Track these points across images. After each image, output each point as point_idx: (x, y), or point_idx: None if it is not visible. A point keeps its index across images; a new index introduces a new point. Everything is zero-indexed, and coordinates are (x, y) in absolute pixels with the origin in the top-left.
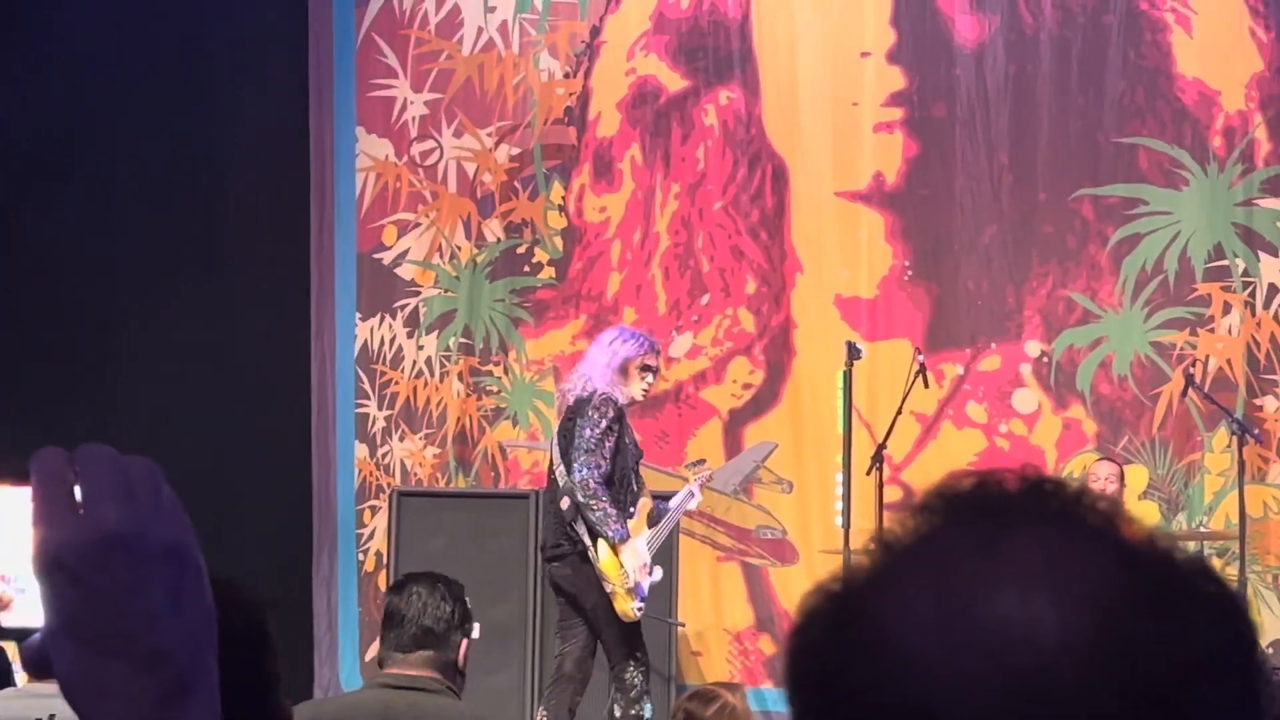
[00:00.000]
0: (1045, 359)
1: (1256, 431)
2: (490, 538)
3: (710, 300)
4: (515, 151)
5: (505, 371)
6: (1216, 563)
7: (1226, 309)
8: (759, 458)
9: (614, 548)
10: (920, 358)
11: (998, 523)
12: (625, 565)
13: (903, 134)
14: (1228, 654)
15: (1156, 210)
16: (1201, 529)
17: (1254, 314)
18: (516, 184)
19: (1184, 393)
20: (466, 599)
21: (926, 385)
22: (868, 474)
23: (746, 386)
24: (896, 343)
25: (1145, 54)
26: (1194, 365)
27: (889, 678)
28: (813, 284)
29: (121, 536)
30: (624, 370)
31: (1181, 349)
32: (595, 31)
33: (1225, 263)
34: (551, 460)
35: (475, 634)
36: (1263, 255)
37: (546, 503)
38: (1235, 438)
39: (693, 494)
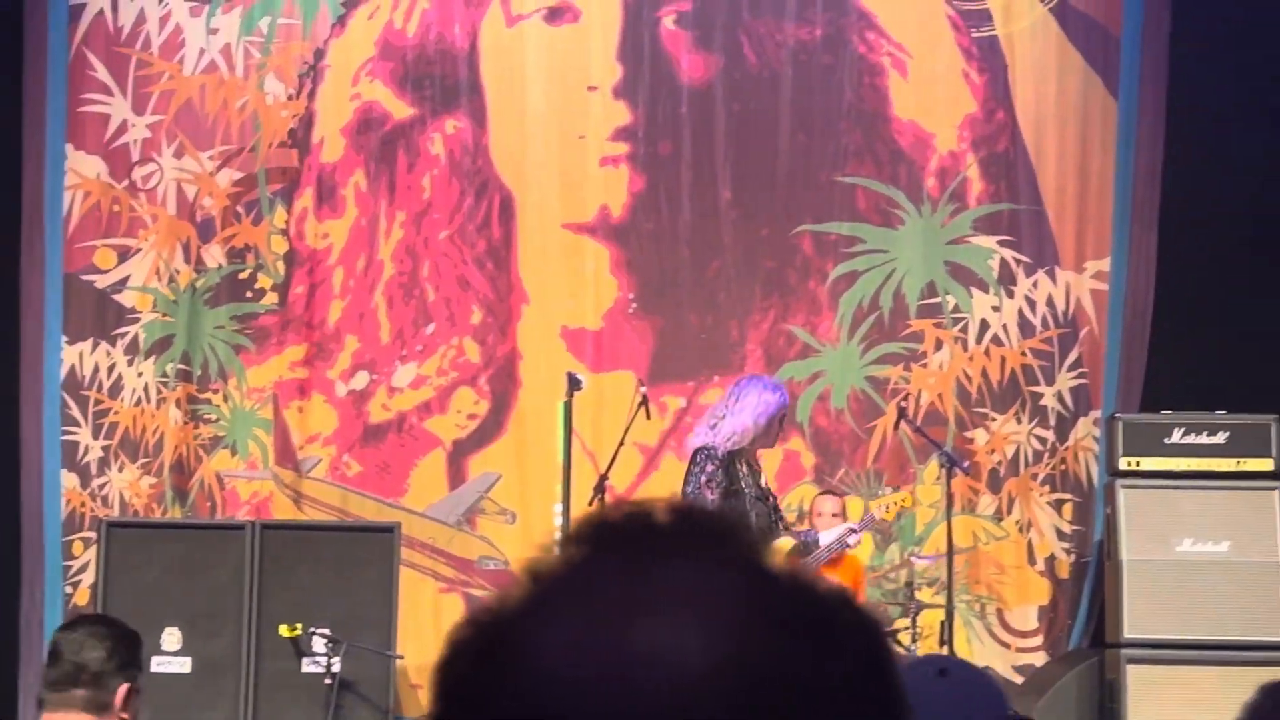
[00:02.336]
0: None
1: (966, 464)
2: (204, 570)
3: (435, 330)
4: (239, 175)
5: (225, 399)
6: (926, 592)
7: (938, 345)
8: (482, 489)
9: None
10: (643, 389)
11: (646, 552)
12: None
13: (629, 168)
14: (865, 684)
15: (873, 248)
16: (913, 559)
17: (965, 349)
18: (239, 209)
19: (896, 426)
20: (139, 648)
21: (649, 417)
22: (590, 505)
23: (471, 417)
24: (621, 374)
25: (864, 96)
26: (906, 399)
27: (533, 705)
28: (539, 315)
29: None
30: (769, 423)
31: (896, 383)
32: (320, 54)
33: (938, 300)
34: None
35: (139, 682)
36: (974, 291)
37: None
38: (945, 470)
39: (853, 530)
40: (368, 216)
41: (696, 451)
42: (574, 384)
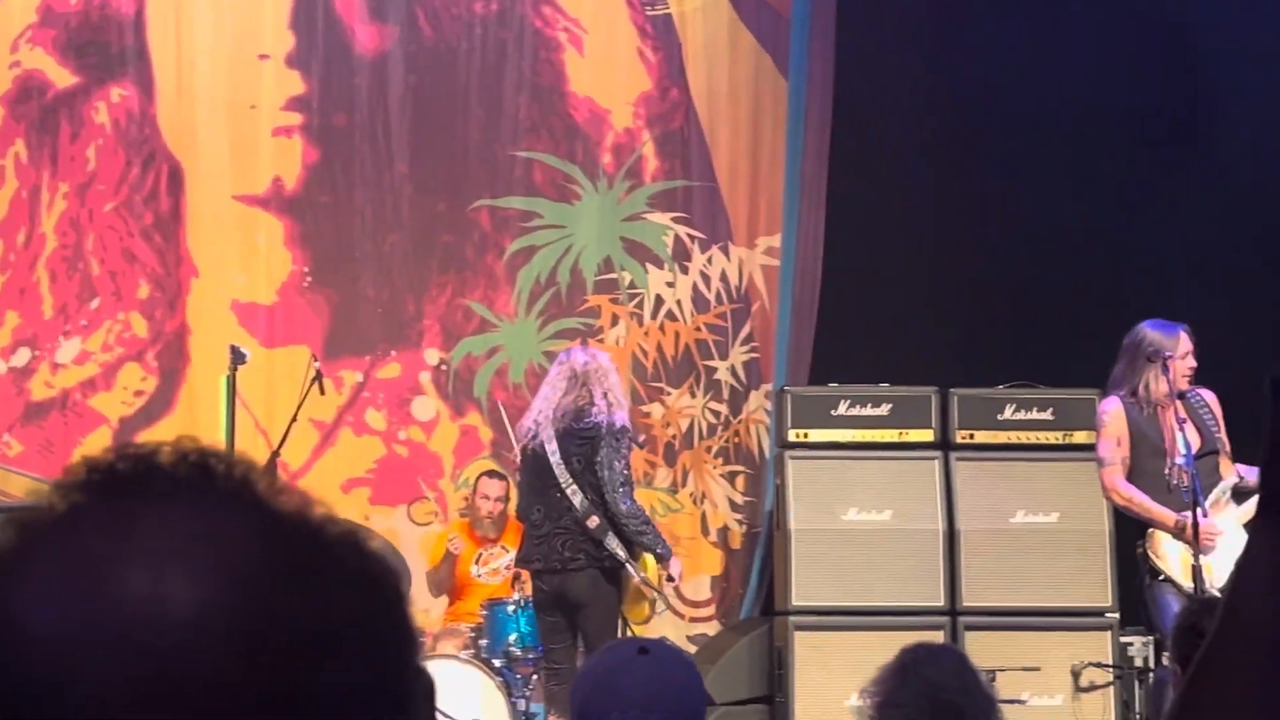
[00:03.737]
0: (444, 367)
1: (642, 439)
2: None
3: (100, 304)
4: None
5: None
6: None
7: (615, 320)
8: None
9: (658, 559)
10: (316, 364)
11: (137, 497)
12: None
13: (303, 140)
14: (364, 630)
15: (551, 224)
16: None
17: (641, 324)
18: None
19: None
20: None
21: (323, 392)
22: None
23: (138, 394)
24: (295, 349)
25: (540, 71)
26: None
27: (16, 660)
28: (209, 289)
29: None
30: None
31: None
32: None
33: (614, 275)
34: (547, 482)
35: None
36: (650, 268)
37: (545, 521)
38: None
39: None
40: (28, 188)
41: (622, 430)
42: (238, 357)
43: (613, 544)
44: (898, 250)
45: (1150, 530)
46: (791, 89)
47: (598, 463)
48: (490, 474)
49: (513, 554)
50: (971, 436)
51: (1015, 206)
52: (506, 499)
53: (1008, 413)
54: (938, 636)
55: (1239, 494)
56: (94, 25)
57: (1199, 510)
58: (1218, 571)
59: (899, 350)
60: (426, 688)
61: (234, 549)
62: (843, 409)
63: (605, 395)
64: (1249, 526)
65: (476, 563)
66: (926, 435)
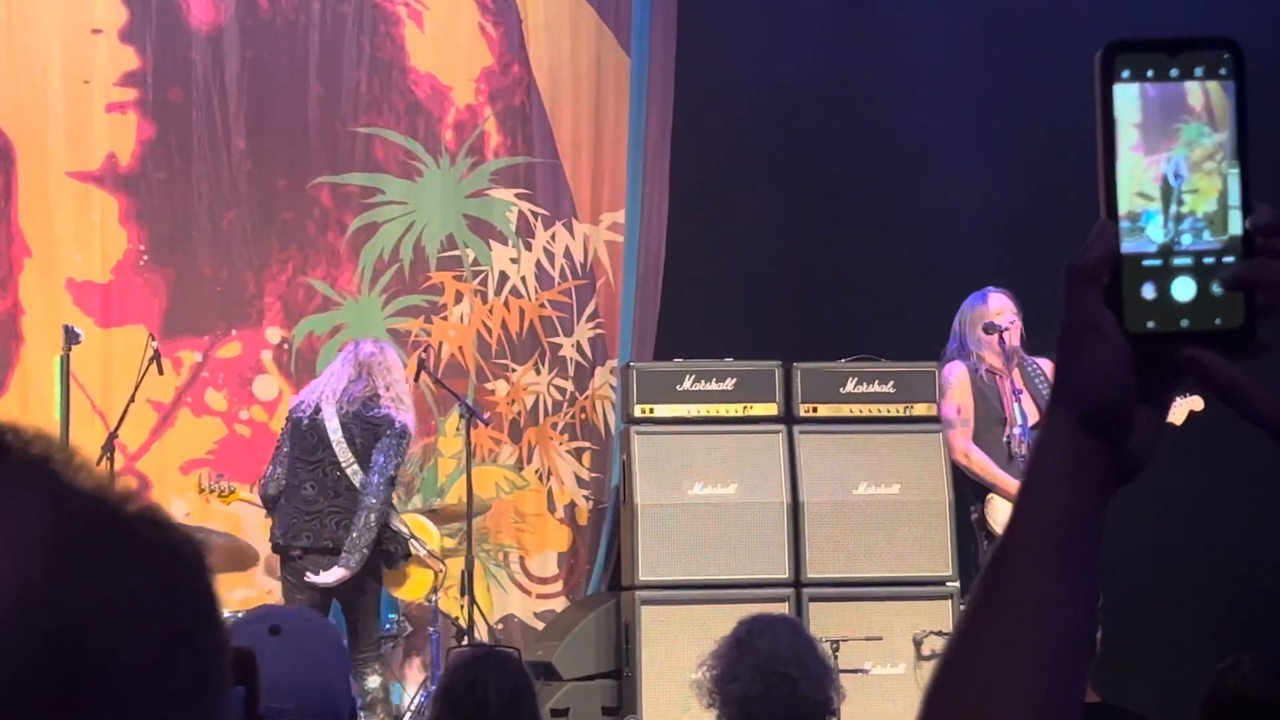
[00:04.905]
0: (286, 345)
1: (486, 416)
2: None
3: None
4: None
5: None
6: (449, 543)
7: (459, 297)
8: None
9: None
10: (154, 344)
11: None
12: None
13: (137, 115)
14: (156, 604)
15: (393, 200)
16: (433, 510)
17: (485, 301)
18: None
19: (417, 378)
20: None
21: (161, 372)
22: (98, 464)
23: None
24: (132, 329)
25: (380, 45)
26: (427, 351)
27: None
28: (42, 268)
29: None
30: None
31: (417, 335)
32: None
33: (458, 252)
34: (323, 457)
35: None
36: (494, 244)
37: (319, 498)
38: (465, 421)
39: None
40: None
41: (404, 432)
42: (71, 337)
43: (396, 523)
44: (740, 225)
45: (989, 495)
46: (634, 64)
47: (376, 448)
48: None
49: None
50: (814, 410)
51: (857, 178)
52: None
53: (849, 386)
54: (782, 608)
55: None
56: None
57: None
58: None
59: (742, 325)
60: (242, 661)
61: (21, 523)
62: (688, 384)
63: (389, 389)
64: (1044, 413)
65: None
66: (770, 409)
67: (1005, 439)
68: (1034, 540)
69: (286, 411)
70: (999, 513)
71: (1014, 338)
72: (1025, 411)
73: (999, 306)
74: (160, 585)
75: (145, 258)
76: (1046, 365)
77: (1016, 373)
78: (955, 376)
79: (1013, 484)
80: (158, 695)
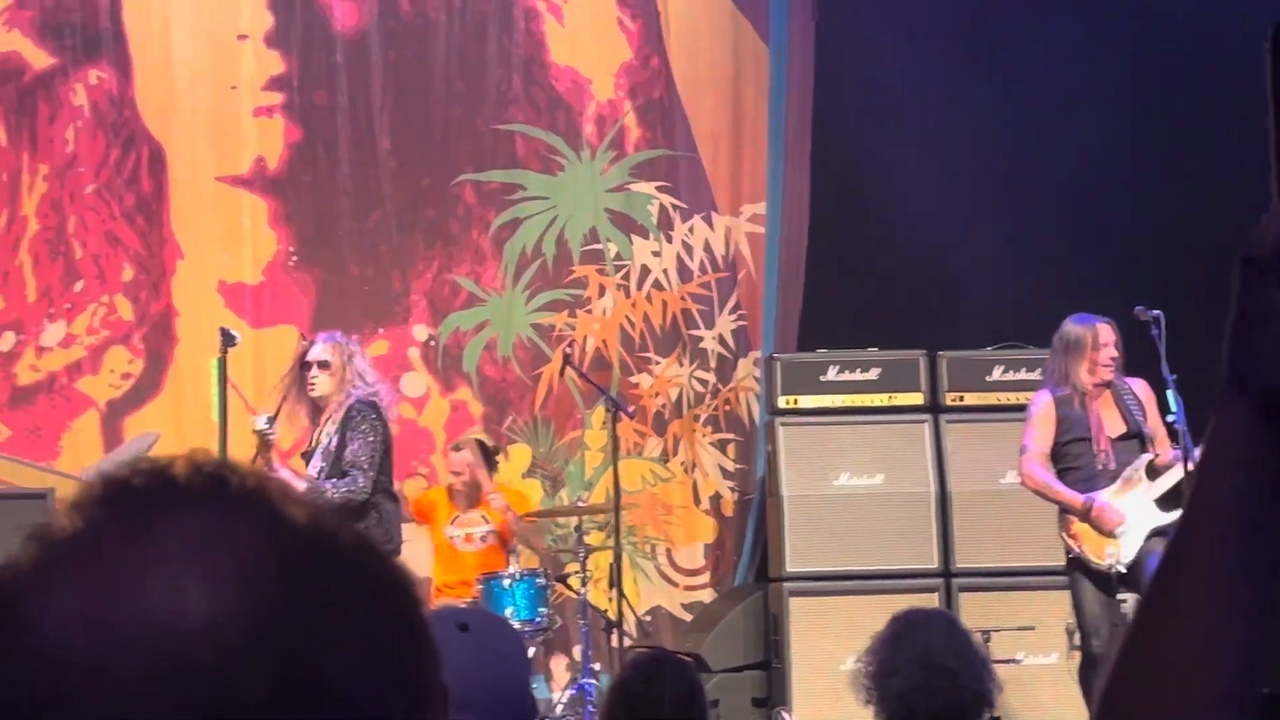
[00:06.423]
0: (432, 342)
1: (631, 409)
2: None
3: (84, 287)
4: None
5: None
6: (597, 536)
7: (602, 291)
8: (141, 449)
9: None
10: (304, 343)
11: (153, 509)
12: None
13: (284, 119)
14: (378, 633)
15: (534, 195)
16: (580, 504)
17: (628, 295)
18: None
19: (562, 372)
20: None
21: None
22: (253, 462)
23: (126, 376)
24: (283, 329)
25: (520, 42)
26: (571, 346)
27: (39, 681)
28: (194, 270)
29: None
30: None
31: (561, 330)
32: None
33: (600, 246)
34: None
35: None
36: (635, 238)
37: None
38: (611, 415)
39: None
40: (9, 171)
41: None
42: (228, 339)
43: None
44: (883, 214)
45: (1065, 515)
46: (772, 54)
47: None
48: (454, 447)
49: (491, 526)
50: (961, 399)
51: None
52: (471, 469)
53: (996, 374)
54: (932, 599)
55: (1152, 471)
56: (69, 6)
57: (1111, 489)
58: (1126, 549)
59: (886, 314)
60: (441, 694)
61: (247, 555)
62: (832, 374)
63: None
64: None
65: (452, 524)
66: (916, 398)
67: (1094, 456)
68: (1212, 540)
69: (433, 408)
70: (1072, 527)
71: (1105, 367)
72: (1112, 427)
73: (1098, 335)
74: (382, 613)
75: (294, 258)
76: (1137, 384)
77: (1107, 392)
78: (1039, 407)
79: (1077, 499)
80: (385, 717)
